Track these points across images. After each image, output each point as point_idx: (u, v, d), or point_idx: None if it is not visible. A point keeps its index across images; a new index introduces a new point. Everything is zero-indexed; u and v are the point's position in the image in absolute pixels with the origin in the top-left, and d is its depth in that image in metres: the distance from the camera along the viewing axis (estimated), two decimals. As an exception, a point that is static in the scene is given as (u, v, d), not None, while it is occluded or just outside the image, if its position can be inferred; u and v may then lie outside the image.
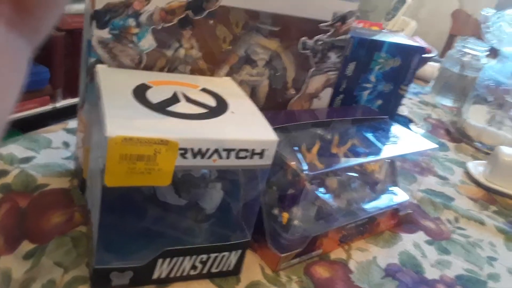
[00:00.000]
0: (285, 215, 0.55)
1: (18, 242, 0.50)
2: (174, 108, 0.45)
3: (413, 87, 1.38)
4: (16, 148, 0.64)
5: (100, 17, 0.50)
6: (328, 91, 0.71)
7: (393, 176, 0.72)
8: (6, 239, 0.50)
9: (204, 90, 0.52)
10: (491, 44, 1.27)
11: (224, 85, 0.56)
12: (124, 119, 0.41)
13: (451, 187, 0.84)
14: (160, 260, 0.47)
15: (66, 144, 0.68)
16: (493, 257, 0.67)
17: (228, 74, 0.61)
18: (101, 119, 0.41)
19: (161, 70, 0.56)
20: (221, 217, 0.53)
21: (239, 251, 0.51)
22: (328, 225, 0.58)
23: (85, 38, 0.53)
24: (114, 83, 0.48)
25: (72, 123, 0.74)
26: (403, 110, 1.11)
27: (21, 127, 1.08)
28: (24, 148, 0.65)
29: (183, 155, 0.41)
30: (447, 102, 1.30)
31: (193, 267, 0.49)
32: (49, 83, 1.82)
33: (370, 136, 0.66)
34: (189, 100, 0.48)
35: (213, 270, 0.50)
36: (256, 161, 0.45)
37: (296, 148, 0.56)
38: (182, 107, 0.46)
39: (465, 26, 1.27)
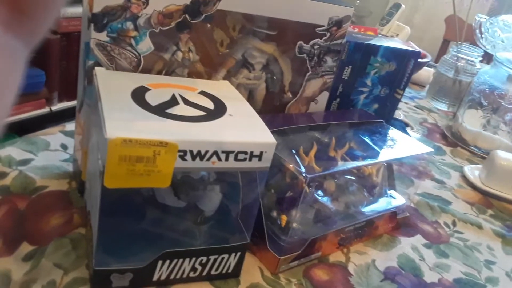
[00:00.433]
0: (284, 218, 0.55)
1: (17, 244, 0.50)
2: (173, 110, 0.46)
3: (408, 92, 1.39)
4: (14, 150, 0.64)
5: (98, 20, 0.50)
6: (325, 95, 0.71)
7: (390, 180, 0.72)
8: (5, 241, 0.49)
9: (202, 93, 0.52)
10: (485, 49, 1.29)
11: (222, 88, 0.56)
12: (123, 121, 0.41)
13: (448, 191, 0.85)
14: (160, 262, 0.47)
15: (64, 146, 0.68)
16: (491, 261, 0.67)
17: (226, 78, 0.61)
18: (101, 121, 0.41)
19: (159, 73, 0.56)
20: (220, 219, 0.53)
21: (238, 254, 0.51)
22: (326, 228, 0.58)
23: (83, 41, 0.53)
24: (112, 85, 0.48)
25: (70, 126, 0.74)
26: (399, 114, 1.11)
27: (17, 130, 1.08)
28: (22, 150, 0.65)
29: (182, 157, 0.41)
30: (442, 106, 1.31)
31: (193, 269, 0.49)
32: (45, 86, 1.82)
33: (367, 139, 0.66)
34: (187, 102, 0.48)
35: (213, 272, 0.50)
36: (254, 164, 0.45)
37: (293, 151, 0.56)
38: (181, 109, 0.46)
39: (459, 31, 1.28)
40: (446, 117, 1.25)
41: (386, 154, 0.66)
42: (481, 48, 1.33)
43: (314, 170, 0.54)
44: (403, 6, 1.50)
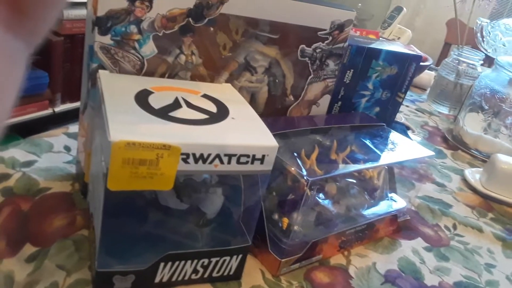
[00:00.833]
0: (285, 220, 0.55)
1: (20, 245, 0.50)
2: (176, 113, 0.46)
3: (409, 95, 1.39)
4: (17, 152, 0.65)
5: (102, 24, 0.51)
6: (327, 98, 0.72)
7: (391, 183, 0.72)
8: (8, 242, 0.50)
9: (205, 96, 0.53)
10: (486, 52, 1.29)
11: (225, 91, 0.56)
12: (127, 124, 0.42)
13: (449, 194, 0.85)
14: (162, 264, 0.47)
15: (67, 148, 0.69)
16: (491, 264, 0.68)
17: (228, 81, 0.61)
18: (104, 124, 0.41)
19: (162, 76, 0.57)
20: (222, 222, 0.53)
21: (240, 256, 0.51)
22: (327, 231, 0.59)
23: (87, 44, 0.54)
24: (116, 88, 0.48)
25: (73, 128, 0.74)
26: (400, 117, 1.12)
27: (20, 132, 1.08)
28: (25, 152, 0.65)
29: (185, 160, 0.42)
30: (443, 109, 1.31)
31: (195, 271, 0.49)
32: (48, 88, 1.83)
33: (368, 142, 0.66)
34: (190, 105, 0.49)
35: (215, 274, 0.51)
36: (256, 167, 0.46)
37: (295, 154, 0.56)
38: (183, 112, 0.47)
39: (460, 35, 1.28)
40: (447, 120, 1.25)
41: (387, 157, 0.66)
42: (482, 51, 1.33)
43: (315, 173, 0.54)
44: (404, 9, 1.50)
